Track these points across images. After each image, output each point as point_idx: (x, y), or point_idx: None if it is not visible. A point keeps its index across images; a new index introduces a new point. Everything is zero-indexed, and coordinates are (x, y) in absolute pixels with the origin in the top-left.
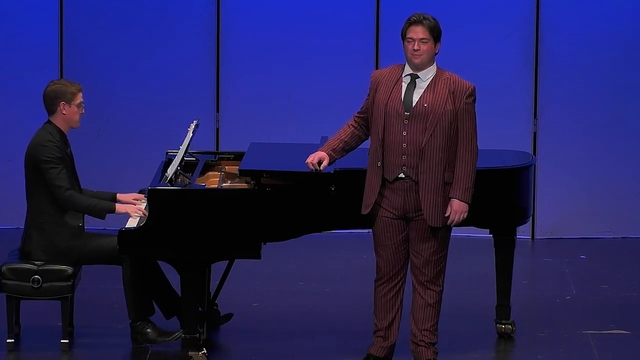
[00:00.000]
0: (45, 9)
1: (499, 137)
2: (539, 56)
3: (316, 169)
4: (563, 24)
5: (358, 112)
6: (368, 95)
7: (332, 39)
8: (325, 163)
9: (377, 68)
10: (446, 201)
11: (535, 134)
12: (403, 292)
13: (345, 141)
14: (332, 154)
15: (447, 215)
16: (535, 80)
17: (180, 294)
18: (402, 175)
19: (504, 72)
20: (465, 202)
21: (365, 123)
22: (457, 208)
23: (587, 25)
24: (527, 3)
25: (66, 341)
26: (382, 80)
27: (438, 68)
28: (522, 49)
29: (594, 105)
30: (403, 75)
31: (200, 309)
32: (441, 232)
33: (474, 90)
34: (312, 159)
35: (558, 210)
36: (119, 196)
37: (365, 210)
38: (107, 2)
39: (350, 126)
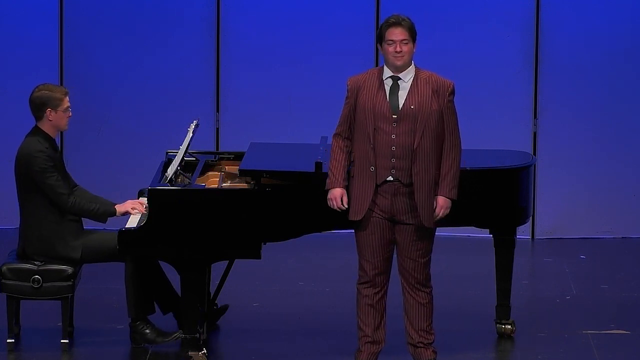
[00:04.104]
0: (45, 9)
1: (499, 137)
2: (539, 56)
3: (342, 209)
4: (563, 24)
5: (340, 131)
6: (347, 102)
7: (332, 39)
8: (345, 198)
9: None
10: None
11: (535, 134)
12: (387, 295)
13: (345, 166)
14: (344, 182)
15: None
16: (535, 80)
17: (180, 294)
18: (390, 178)
19: (504, 72)
20: (451, 199)
21: (351, 138)
22: (443, 204)
23: (587, 25)
24: (527, 3)
25: (66, 341)
26: (362, 85)
27: (416, 67)
28: (522, 49)
29: (594, 105)
30: (384, 78)
31: (200, 309)
32: (429, 233)
33: (454, 87)
34: (337, 202)
35: (558, 210)
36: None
37: (357, 217)
38: (107, 2)
39: (342, 150)
